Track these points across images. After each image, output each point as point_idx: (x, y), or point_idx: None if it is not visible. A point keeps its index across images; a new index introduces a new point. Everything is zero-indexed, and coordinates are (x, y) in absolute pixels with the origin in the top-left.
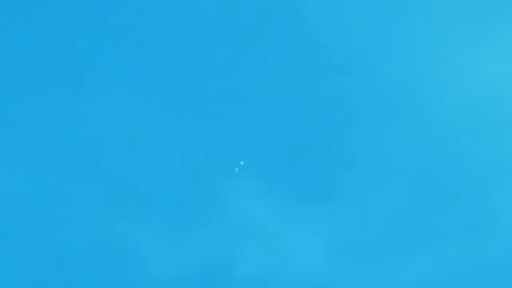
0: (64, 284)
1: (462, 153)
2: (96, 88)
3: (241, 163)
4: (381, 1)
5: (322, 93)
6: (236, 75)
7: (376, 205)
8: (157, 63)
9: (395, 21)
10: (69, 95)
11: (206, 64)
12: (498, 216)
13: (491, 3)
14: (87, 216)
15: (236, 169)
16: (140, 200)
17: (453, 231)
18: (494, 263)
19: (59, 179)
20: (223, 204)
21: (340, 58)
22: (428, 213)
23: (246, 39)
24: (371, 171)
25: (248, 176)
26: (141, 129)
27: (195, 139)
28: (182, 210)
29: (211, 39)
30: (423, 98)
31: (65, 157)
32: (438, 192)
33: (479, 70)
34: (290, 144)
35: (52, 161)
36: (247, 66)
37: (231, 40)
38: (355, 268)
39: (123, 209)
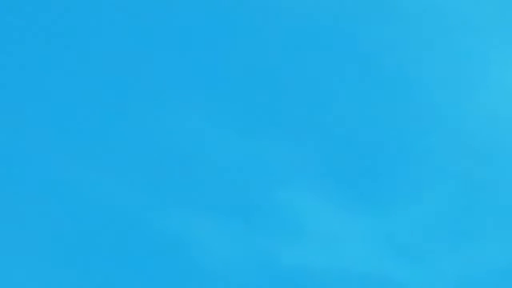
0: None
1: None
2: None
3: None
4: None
5: (368, 107)
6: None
7: (423, 208)
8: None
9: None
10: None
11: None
12: None
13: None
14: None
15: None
16: (199, 199)
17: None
18: None
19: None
20: (278, 207)
21: (384, 71)
22: (473, 214)
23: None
24: (417, 176)
25: (303, 182)
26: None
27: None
28: (240, 212)
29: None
30: (461, 102)
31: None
32: (483, 194)
33: None
34: (340, 150)
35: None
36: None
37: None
38: (400, 266)
39: (181, 208)
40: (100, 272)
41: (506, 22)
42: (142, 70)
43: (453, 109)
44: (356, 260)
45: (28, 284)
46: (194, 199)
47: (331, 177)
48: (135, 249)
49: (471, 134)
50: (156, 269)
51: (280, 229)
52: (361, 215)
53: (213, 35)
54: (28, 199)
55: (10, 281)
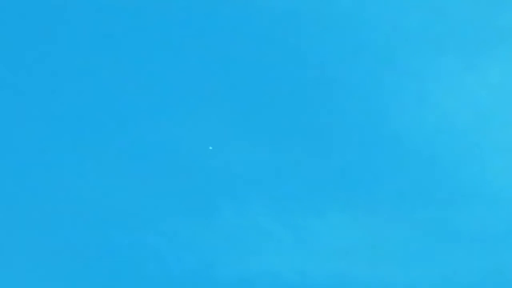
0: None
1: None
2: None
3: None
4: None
5: (313, 102)
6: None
7: (367, 215)
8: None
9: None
10: None
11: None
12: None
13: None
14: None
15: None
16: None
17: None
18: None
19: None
20: (223, 209)
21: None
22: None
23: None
24: (358, 186)
25: (250, 186)
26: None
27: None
28: (183, 214)
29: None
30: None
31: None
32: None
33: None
34: (291, 151)
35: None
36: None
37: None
38: (352, 271)
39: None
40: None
41: (441, 34)
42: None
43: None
44: (304, 264)
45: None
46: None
47: (281, 183)
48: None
49: (406, 143)
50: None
51: (228, 234)
52: (311, 220)
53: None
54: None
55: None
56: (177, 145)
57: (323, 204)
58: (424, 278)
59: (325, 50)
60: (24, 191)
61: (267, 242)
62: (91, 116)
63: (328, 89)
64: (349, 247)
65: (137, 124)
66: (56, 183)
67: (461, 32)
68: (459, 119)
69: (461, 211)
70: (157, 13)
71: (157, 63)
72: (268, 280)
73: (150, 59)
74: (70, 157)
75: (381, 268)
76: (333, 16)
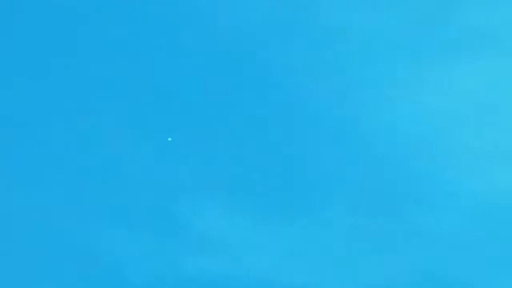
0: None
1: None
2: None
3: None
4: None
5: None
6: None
7: (329, 222)
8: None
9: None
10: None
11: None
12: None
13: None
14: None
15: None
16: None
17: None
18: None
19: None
20: (182, 217)
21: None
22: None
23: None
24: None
25: (209, 192)
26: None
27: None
28: (145, 222)
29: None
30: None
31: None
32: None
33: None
34: (247, 161)
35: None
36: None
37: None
38: (300, 274)
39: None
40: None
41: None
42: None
43: (358, 126)
44: (258, 268)
45: None
46: (107, 211)
47: (238, 188)
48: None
49: (375, 149)
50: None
51: (185, 239)
52: (266, 225)
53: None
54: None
55: None
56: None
57: (290, 211)
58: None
59: (294, 55)
60: None
61: (226, 246)
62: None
63: (298, 95)
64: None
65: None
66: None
67: (433, 37)
68: (430, 124)
69: (425, 215)
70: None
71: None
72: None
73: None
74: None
75: (329, 276)
76: (302, 25)
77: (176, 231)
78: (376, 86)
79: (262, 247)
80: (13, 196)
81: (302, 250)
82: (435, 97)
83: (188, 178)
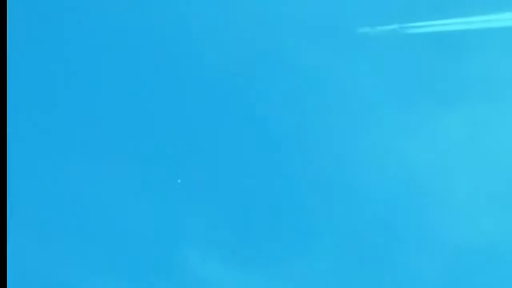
0: None
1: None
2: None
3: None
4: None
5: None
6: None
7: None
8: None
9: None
10: None
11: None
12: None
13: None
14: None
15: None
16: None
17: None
18: None
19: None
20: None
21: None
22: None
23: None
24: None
25: (196, 241)
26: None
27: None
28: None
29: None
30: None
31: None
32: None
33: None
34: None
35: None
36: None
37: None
38: None
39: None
40: None
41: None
42: None
43: (347, 171)
44: None
45: None
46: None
47: (230, 236)
48: None
49: (364, 192)
50: None
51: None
52: (254, 272)
53: None
54: None
55: None
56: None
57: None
58: None
59: (285, 96)
60: None
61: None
62: None
63: (287, 135)
64: None
65: None
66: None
67: (423, 83)
68: (418, 170)
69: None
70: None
71: None
72: None
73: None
74: None
75: None
76: (292, 68)
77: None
78: (366, 130)
79: None
80: None
81: None
82: (423, 143)
83: (185, 227)
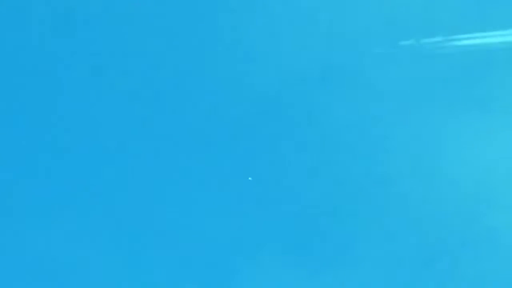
0: None
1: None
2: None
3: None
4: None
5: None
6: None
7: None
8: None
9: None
10: None
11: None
12: None
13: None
14: None
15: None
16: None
17: None
18: None
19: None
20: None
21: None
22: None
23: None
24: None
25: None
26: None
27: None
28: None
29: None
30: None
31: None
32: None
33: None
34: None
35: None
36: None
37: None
38: None
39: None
40: None
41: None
42: None
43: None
44: None
45: None
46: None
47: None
48: None
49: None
50: None
51: None
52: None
53: None
54: None
55: None
56: None
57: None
58: None
59: (332, 104)
60: None
61: None
62: None
63: (333, 147)
64: None
65: None
66: None
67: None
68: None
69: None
70: None
71: None
72: None
73: None
74: None
75: None
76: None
77: None
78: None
79: None
80: None
81: None
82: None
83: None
